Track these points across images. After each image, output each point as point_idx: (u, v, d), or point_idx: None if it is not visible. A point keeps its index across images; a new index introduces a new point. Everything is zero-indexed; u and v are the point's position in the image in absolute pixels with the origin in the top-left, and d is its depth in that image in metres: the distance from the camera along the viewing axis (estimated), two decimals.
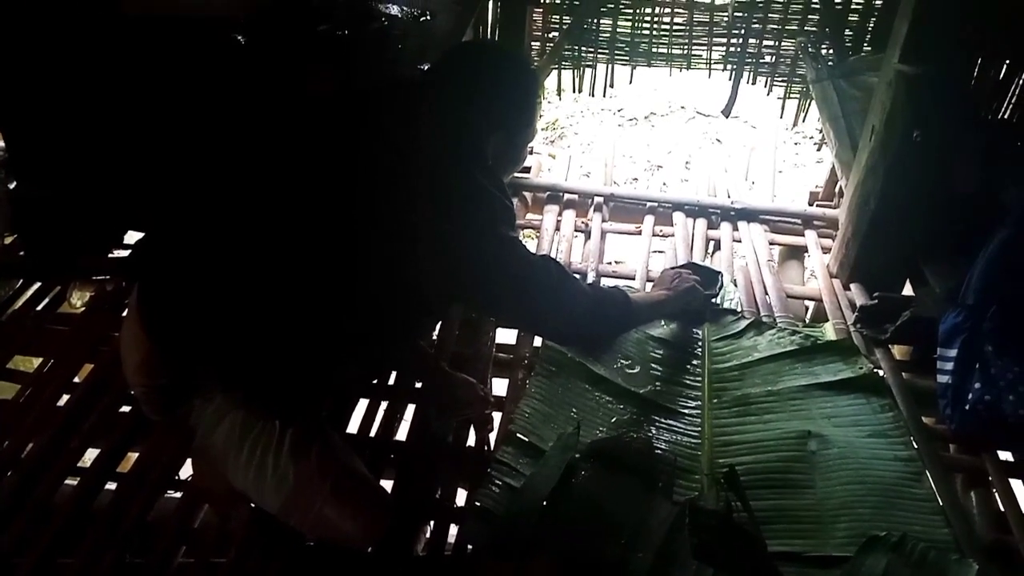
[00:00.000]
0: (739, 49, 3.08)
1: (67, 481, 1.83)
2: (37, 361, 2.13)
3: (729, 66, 3.16)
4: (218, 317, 1.50)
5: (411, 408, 2.07)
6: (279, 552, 1.69)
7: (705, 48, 3.13)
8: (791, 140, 6.24)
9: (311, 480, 1.56)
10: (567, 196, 2.94)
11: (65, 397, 2.02)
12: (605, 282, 2.39)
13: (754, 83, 3.16)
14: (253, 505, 1.72)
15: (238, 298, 1.49)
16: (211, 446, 1.61)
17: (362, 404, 2.07)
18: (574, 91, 3.37)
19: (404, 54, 1.92)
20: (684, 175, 5.55)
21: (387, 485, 1.88)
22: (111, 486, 1.83)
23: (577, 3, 3.06)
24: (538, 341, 2.27)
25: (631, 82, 3.35)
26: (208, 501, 1.79)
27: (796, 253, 2.98)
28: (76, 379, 2.08)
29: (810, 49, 2.88)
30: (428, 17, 2.09)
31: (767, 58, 3.10)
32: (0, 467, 1.84)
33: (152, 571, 1.65)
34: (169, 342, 1.55)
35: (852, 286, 2.54)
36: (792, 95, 3.27)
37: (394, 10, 2.11)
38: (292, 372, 1.57)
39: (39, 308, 2.35)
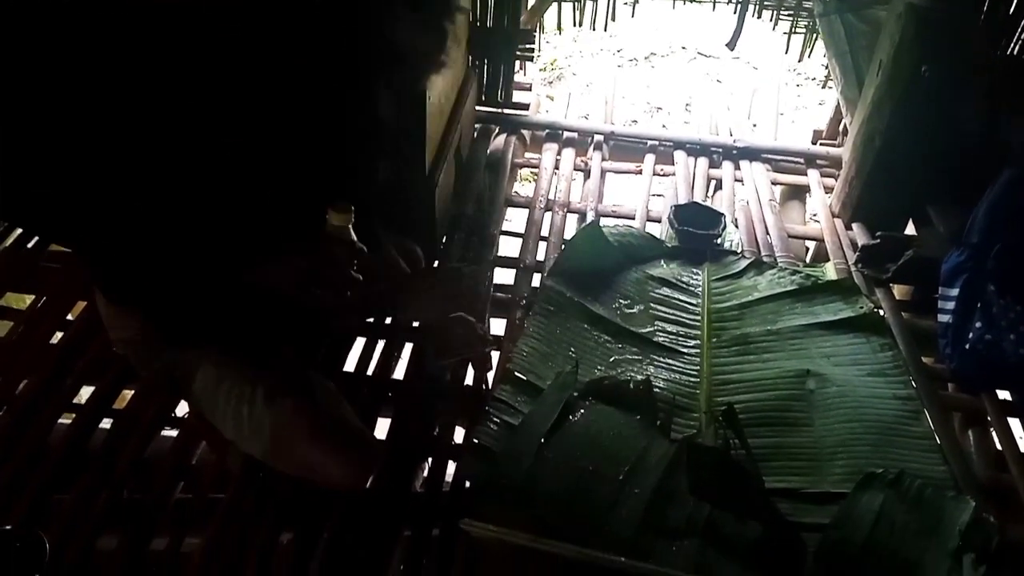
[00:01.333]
0: None
1: (61, 420, 1.82)
2: (30, 299, 2.10)
3: (734, 0, 3.08)
4: (159, 271, 1.46)
5: (408, 346, 2.06)
6: (277, 488, 1.69)
7: None
8: (794, 81, 6.14)
9: (287, 428, 1.54)
10: (566, 134, 2.89)
11: (59, 335, 2.00)
12: (605, 222, 2.35)
13: (759, 17, 3.07)
14: None
15: (176, 248, 1.44)
16: (192, 398, 1.60)
17: (360, 343, 2.05)
18: (574, 26, 3.28)
19: None
20: (685, 116, 5.47)
21: (384, 424, 1.88)
22: (106, 424, 1.82)
23: None
24: (536, 280, 2.25)
25: (633, 16, 3.26)
26: (204, 439, 1.78)
27: (798, 193, 2.94)
28: (70, 316, 2.06)
29: None
30: None
31: None
32: None
33: (150, 508, 1.65)
34: (124, 302, 1.53)
35: (854, 226, 2.51)
36: (798, 30, 3.19)
37: None
38: (253, 320, 1.54)
39: (30, 245, 2.31)
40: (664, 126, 5.28)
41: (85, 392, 1.89)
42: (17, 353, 1.94)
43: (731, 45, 3.13)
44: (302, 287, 1.50)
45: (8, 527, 1.59)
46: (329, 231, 1.47)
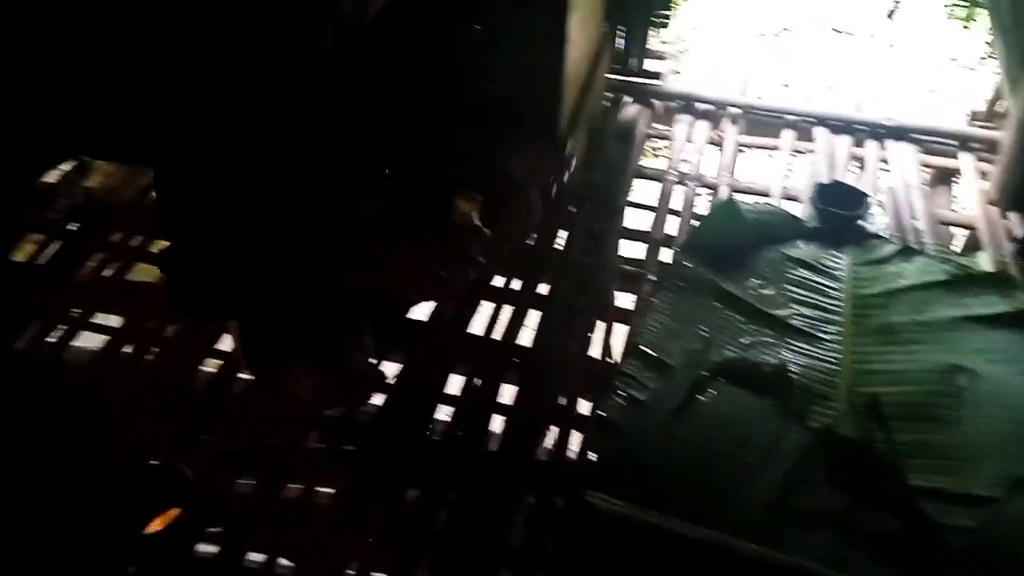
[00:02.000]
0: None
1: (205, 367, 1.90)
2: None
3: None
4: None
5: (535, 314, 2.05)
6: (405, 445, 1.73)
7: None
8: (942, 58, 5.78)
9: None
10: (700, 107, 2.79)
11: None
12: (740, 198, 2.27)
13: None
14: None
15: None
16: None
17: (487, 308, 2.06)
18: None
19: None
20: (821, 92, 5.23)
21: (510, 390, 1.88)
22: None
23: None
24: (667, 255, 2.20)
25: None
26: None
27: (947, 177, 2.76)
28: None
29: None
30: None
31: None
32: (142, 346, 1.92)
33: (283, 455, 1.71)
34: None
35: (1012, 215, 2.34)
36: (959, 3, 2.99)
37: None
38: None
39: None
40: (803, 100, 5.05)
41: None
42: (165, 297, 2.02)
43: (891, 14, 2.95)
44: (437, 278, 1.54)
45: (154, 462, 1.68)
46: (457, 219, 1.48)
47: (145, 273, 2.14)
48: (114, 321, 2.17)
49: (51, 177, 2.33)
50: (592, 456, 1.69)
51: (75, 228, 2.23)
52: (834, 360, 1.84)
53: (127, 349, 1.92)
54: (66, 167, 2.35)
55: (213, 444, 1.71)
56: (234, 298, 1.60)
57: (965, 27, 3.08)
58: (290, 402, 1.69)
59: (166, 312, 1.99)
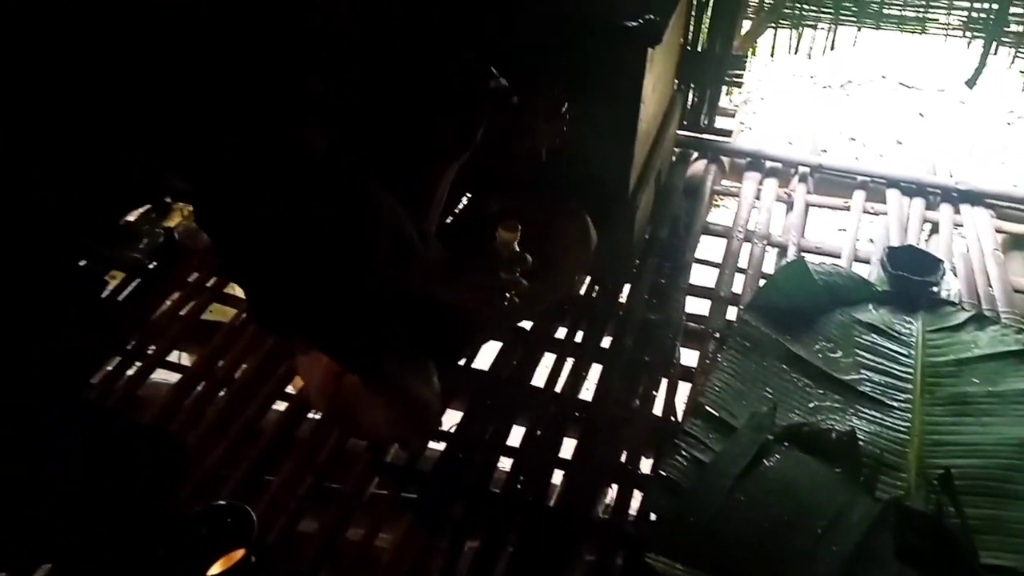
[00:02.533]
0: (992, 15, 2.78)
1: (274, 406, 1.95)
2: None
3: (968, 33, 2.87)
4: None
5: (597, 368, 2.06)
6: (465, 495, 1.74)
7: (944, 12, 2.86)
8: (1008, 120, 5.67)
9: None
10: (769, 164, 2.79)
11: None
12: (809, 258, 2.26)
13: (995, 53, 2.86)
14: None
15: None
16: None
17: (549, 359, 2.07)
18: (789, 53, 3.18)
19: (623, 6, 1.85)
20: (888, 149, 5.17)
21: (570, 444, 1.88)
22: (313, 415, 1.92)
23: None
24: (733, 313, 2.19)
25: (854, 45, 3.12)
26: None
27: (1021, 243, 2.70)
28: None
29: None
30: None
31: (1014, 27, 2.79)
32: (214, 385, 1.98)
33: (346, 498, 1.73)
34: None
35: None
36: None
37: None
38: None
39: None
40: (873, 160, 5.00)
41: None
42: (238, 337, 2.09)
43: (971, 83, 2.93)
44: (487, 302, 1.54)
45: (221, 501, 1.72)
46: (497, 246, 1.50)
47: (220, 313, 2.21)
48: (187, 359, 2.25)
49: (132, 216, 2.44)
50: (653, 516, 1.68)
51: (154, 266, 2.32)
52: (904, 429, 1.81)
53: (199, 387, 1.98)
54: (147, 207, 2.46)
55: (279, 485, 1.74)
56: (317, 318, 1.62)
57: None
58: (361, 433, 1.72)
59: (239, 352, 2.05)
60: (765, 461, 1.71)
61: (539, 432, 1.88)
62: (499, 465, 1.84)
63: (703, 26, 2.68)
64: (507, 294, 1.52)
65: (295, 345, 1.79)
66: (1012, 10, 2.77)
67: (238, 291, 2.29)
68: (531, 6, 1.90)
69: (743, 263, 2.39)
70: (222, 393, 1.96)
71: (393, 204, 1.38)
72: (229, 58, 1.23)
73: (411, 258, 1.42)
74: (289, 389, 1.97)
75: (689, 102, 2.85)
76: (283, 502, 1.72)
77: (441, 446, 1.86)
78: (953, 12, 2.87)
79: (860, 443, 1.73)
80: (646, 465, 1.85)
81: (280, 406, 1.94)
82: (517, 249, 1.50)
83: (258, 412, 1.91)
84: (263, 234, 1.32)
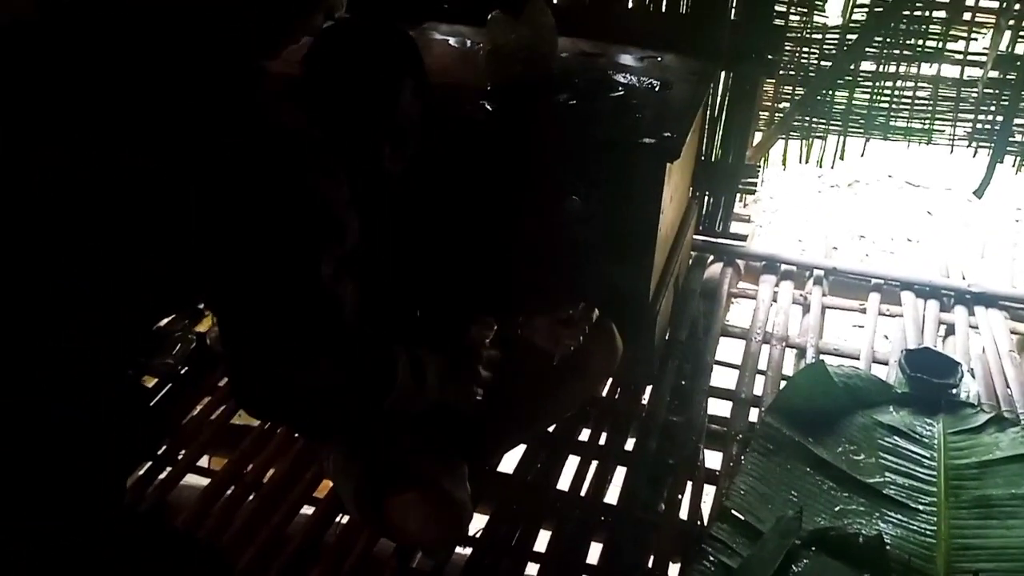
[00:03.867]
0: (997, 127, 2.89)
1: (302, 511, 1.96)
2: None
3: (974, 143, 2.98)
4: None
5: (621, 471, 2.07)
6: None
7: (949, 124, 2.98)
8: (1016, 218, 5.75)
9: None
10: (784, 267, 2.86)
11: None
12: (828, 361, 2.29)
13: (1002, 161, 2.95)
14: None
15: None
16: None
17: (574, 462, 2.09)
18: (800, 163, 3.29)
19: (642, 124, 1.96)
20: (898, 248, 5.24)
21: (596, 548, 1.88)
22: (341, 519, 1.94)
23: (812, 75, 3.01)
24: (754, 415, 2.22)
25: (863, 155, 3.24)
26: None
27: None
28: None
29: None
30: (665, 87, 2.13)
31: (1018, 136, 2.90)
32: (243, 490, 2.00)
33: None
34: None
35: None
36: None
37: (631, 79, 2.17)
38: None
39: None
40: (884, 259, 5.07)
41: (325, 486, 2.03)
42: (266, 441, 2.12)
43: (979, 193, 3.02)
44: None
45: None
46: (474, 341, 1.62)
47: (248, 417, 2.24)
48: (217, 463, 2.27)
49: (164, 321, 2.51)
50: None
51: (185, 372, 2.37)
52: (931, 532, 1.80)
53: (228, 492, 2.00)
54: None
55: None
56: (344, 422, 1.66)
57: None
58: (396, 534, 1.72)
59: (267, 456, 2.08)
60: (794, 567, 1.71)
61: (565, 537, 1.89)
62: (527, 571, 1.84)
63: (717, 137, 2.80)
64: (477, 390, 1.62)
65: (324, 450, 1.83)
66: (1017, 121, 2.88)
67: None
68: (566, 127, 2.03)
69: (763, 365, 2.43)
70: (251, 498, 1.98)
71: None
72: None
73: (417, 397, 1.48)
74: (317, 494, 1.99)
75: (705, 208, 2.94)
76: None
77: (467, 551, 1.86)
78: (959, 124, 2.98)
79: (887, 547, 1.72)
80: (674, 570, 1.84)
81: (308, 510, 1.95)
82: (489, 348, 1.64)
83: (286, 517, 1.92)
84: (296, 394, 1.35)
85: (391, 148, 1.62)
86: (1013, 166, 2.99)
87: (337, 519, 1.92)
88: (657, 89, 2.14)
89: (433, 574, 1.81)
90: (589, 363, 1.94)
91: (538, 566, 1.83)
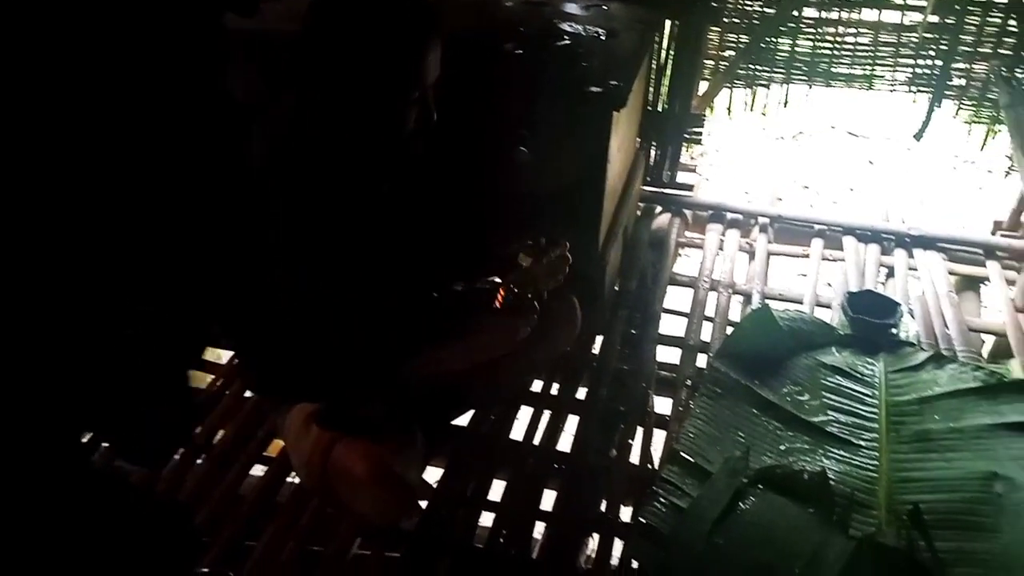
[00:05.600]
0: (936, 72, 2.94)
1: (253, 471, 1.95)
2: (228, 353, 2.27)
3: (913, 88, 3.03)
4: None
5: (574, 419, 2.10)
6: (449, 553, 1.75)
7: (890, 69, 3.01)
8: (953, 166, 5.89)
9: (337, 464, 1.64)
10: (730, 215, 2.89)
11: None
12: (773, 305, 2.33)
13: (940, 106, 3.01)
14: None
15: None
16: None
17: (527, 413, 2.10)
18: (745, 111, 3.31)
19: (588, 73, 1.95)
20: (841, 196, 5.34)
21: (551, 496, 1.91)
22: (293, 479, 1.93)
23: (756, 23, 3.02)
24: (702, 361, 2.25)
25: (806, 102, 3.27)
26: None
27: (973, 284, 2.81)
28: None
29: (1004, 73, 2.73)
30: (611, 36, 2.11)
31: (956, 80, 2.95)
32: (193, 452, 1.98)
33: (330, 560, 1.73)
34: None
35: None
36: (980, 120, 3.10)
37: (577, 28, 2.15)
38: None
39: None
40: (828, 208, 5.15)
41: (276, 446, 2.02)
42: (215, 404, 2.10)
43: (919, 136, 3.08)
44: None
45: (204, 570, 1.71)
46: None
47: (196, 379, 2.21)
48: None
49: None
50: (635, 564, 1.71)
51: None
52: (872, 467, 1.86)
53: (177, 455, 1.97)
54: None
55: (262, 551, 1.74)
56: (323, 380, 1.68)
57: (991, 135, 3.17)
58: (343, 507, 1.73)
59: (216, 418, 2.06)
60: (741, 504, 1.75)
61: (520, 486, 1.91)
62: (481, 521, 1.86)
63: (663, 87, 2.80)
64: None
65: (280, 416, 1.81)
66: (955, 66, 2.93)
67: (213, 357, 2.31)
68: (512, 77, 2.00)
69: (710, 312, 2.47)
70: (200, 460, 1.96)
71: None
72: None
73: None
74: (269, 453, 1.97)
75: (652, 159, 2.95)
76: (266, 568, 1.71)
77: (423, 504, 1.87)
78: (899, 69, 3.03)
79: (831, 483, 1.78)
80: (626, 514, 1.88)
81: (260, 470, 1.94)
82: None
83: (238, 478, 1.91)
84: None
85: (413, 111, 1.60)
86: (952, 108, 3.05)
87: (289, 478, 1.92)
88: (603, 38, 2.12)
89: (388, 530, 1.82)
90: (553, 332, 1.95)
91: (493, 516, 1.85)
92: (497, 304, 1.73)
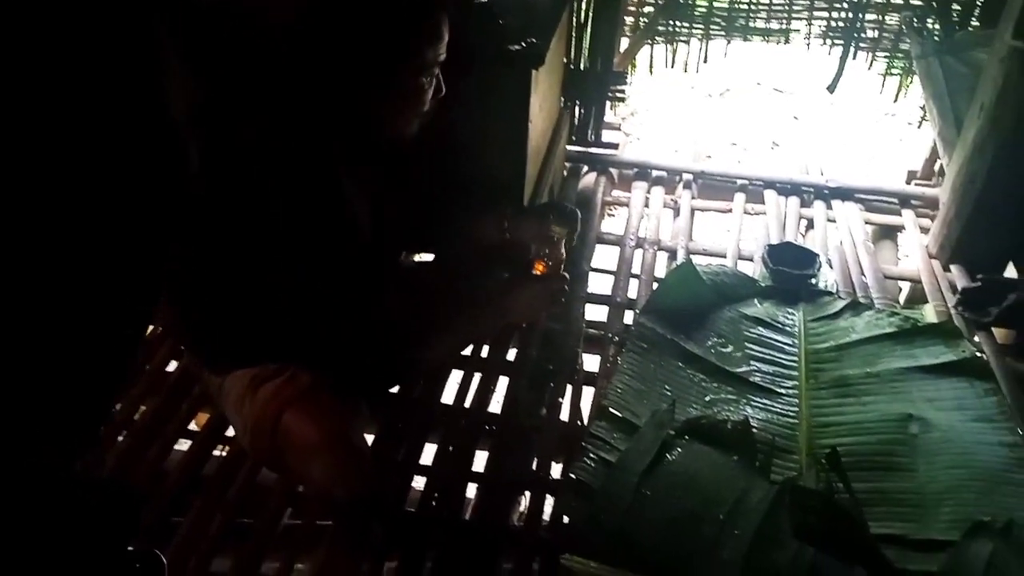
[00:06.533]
0: (847, 24, 2.99)
1: (178, 446, 1.91)
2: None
3: (828, 40, 3.09)
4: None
5: (504, 380, 2.10)
6: (381, 518, 1.74)
7: (805, 22, 3.06)
8: (875, 118, 6.05)
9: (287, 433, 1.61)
10: (655, 173, 2.91)
11: (174, 363, 2.10)
12: (697, 260, 2.37)
13: (854, 58, 3.07)
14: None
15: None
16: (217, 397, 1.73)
17: (457, 376, 2.10)
18: (666, 67, 3.33)
19: (507, 31, 1.92)
20: (767, 152, 5.44)
21: (482, 456, 1.92)
22: (219, 452, 1.90)
23: None
24: (629, 317, 2.28)
25: (726, 56, 3.30)
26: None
27: (890, 233, 2.90)
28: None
29: (915, 24, 2.79)
30: None
31: (869, 32, 3.01)
32: (113, 429, 1.93)
33: (260, 532, 1.71)
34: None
35: (952, 267, 2.47)
36: (893, 71, 3.18)
37: None
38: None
39: None
40: (752, 163, 5.25)
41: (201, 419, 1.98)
42: (135, 380, 2.04)
43: (831, 88, 3.14)
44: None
45: (128, 548, 1.68)
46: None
47: None
48: None
49: None
50: (566, 519, 1.73)
51: None
52: (793, 414, 1.92)
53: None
54: None
55: (189, 526, 1.71)
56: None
57: (902, 94, 3.26)
58: (293, 477, 1.71)
59: (136, 395, 2.01)
60: (668, 456, 1.78)
61: (451, 448, 1.91)
62: (414, 485, 1.86)
63: (584, 45, 2.78)
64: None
65: (212, 381, 1.76)
66: (867, 17, 2.99)
67: None
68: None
69: (636, 269, 2.49)
70: (121, 438, 1.91)
71: None
72: None
73: None
74: (192, 427, 1.94)
75: (576, 118, 2.95)
76: (194, 543, 1.68)
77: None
78: (813, 22, 3.07)
79: (754, 431, 1.82)
80: (557, 471, 1.90)
81: (184, 445, 1.90)
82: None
83: (161, 453, 1.87)
84: None
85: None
86: (866, 61, 3.12)
87: (216, 451, 1.89)
88: None
89: (320, 496, 1.80)
90: (513, 306, 1.94)
91: (424, 479, 1.85)
92: (537, 272, 1.91)
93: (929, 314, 2.25)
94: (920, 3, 2.91)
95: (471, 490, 1.85)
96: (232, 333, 1.66)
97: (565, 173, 2.87)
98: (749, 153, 5.50)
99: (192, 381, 1.99)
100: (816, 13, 3.05)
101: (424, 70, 1.55)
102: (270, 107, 1.51)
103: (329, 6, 1.46)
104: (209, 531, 1.70)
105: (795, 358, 2.08)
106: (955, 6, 2.84)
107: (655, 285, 2.37)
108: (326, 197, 1.53)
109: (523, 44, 1.89)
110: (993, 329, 2.22)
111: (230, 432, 1.92)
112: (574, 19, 2.66)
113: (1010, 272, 2.47)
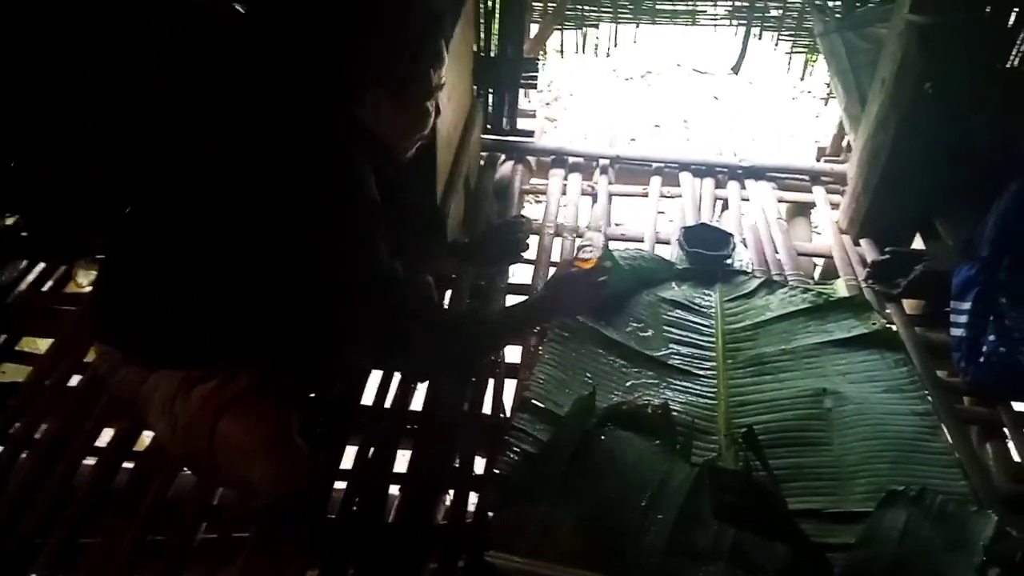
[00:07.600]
0: (747, 4, 3.03)
1: (85, 462, 1.83)
2: (46, 343, 2.11)
3: (735, 22, 3.12)
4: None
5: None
6: (301, 526, 1.70)
7: (710, 4, 3.08)
8: (792, 97, 6.17)
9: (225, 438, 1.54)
10: (572, 159, 2.91)
11: (76, 378, 2.01)
12: (614, 246, 2.37)
13: (760, 38, 3.11)
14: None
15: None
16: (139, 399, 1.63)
17: (376, 376, 2.06)
18: (576, 52, 3.32)
19: None
20: (685, 134, 5.50)
21: (404, 456, 1.88)
22: (129, 465, 1.82)
23: None
24: None
25: (635, 41, 3.31)
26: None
27: (804, 210, 2.96)
28: (87, 359, 2.06)
29: (817, 1, 2.83)
30: None
31: (774, 12, 3.05)
32: (14, 448, 1.83)
33: (175, 548, 1.65)
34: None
35: (862, 241, 2.52)
36: (799, 49, 3.23)
37: None
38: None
39: (45, 289, 2.33)
40: (669, 145, 5.29)
41: (107, 435, 1.90)
42: (36, 397, 1.95)
43: (736, 68, 3.18)
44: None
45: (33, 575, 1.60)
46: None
47: (14, 373, 2.05)
48: None
49: None
50: (491, 515, 1.71)
51: None
52: (711, 395, 1.93)
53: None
54: None
55: (99, 546, 1.64)
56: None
57: (808, 71, 3.32)
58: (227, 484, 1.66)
59: (39, 412, 1.91)
60: (591, 444, 1.77)
61: (372, 450, 1.87)
62: (334, 489, 1.81)
63: (493, 32, 2.75)
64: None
65: (124, 383, 1.68)
66: None
67: (27, 347, 2.14)
68: None
69: (556, 257, 2.48)
70: (24, 456, 1.82)
71: None
72: None
73: None
74: (99, 443, 1.85)
75: (489, 107, 2.91)
76: (104, 564, 1.61)
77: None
78: (719, 3, 3.10)
79: (674, 414, 1.83)
80: (481, 466, 1.87)
81: (91, 461, 1.82)
82: None
83: (68, 471, 1.79)
84: None
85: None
86: (772, 41, 3.16)
87: (124, 465, 1.81)
88: None
89: (236, 507, 1.75)
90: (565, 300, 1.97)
91: (345, 483, 1.81)
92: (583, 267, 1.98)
93: (841, 288, 2.29)
94: None
95: (395, 491, 1.82)
96: (186, 326, 1.57)
97: (482, 163, 2.84)
98: (668, 135, 5.55)
99: (95, 398, 1.91)
100: None
101: (431, 95, 1.59)
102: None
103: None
104: (122, 550, 1.63)
105: (712, 339, 2.09)
106: None
107: None
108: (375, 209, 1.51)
109: None
110: (903, 300, 2.27)
111: (137, 446, 1.85)
112: (482, 5, 2.62)
113: (917, 243, 2.54)
